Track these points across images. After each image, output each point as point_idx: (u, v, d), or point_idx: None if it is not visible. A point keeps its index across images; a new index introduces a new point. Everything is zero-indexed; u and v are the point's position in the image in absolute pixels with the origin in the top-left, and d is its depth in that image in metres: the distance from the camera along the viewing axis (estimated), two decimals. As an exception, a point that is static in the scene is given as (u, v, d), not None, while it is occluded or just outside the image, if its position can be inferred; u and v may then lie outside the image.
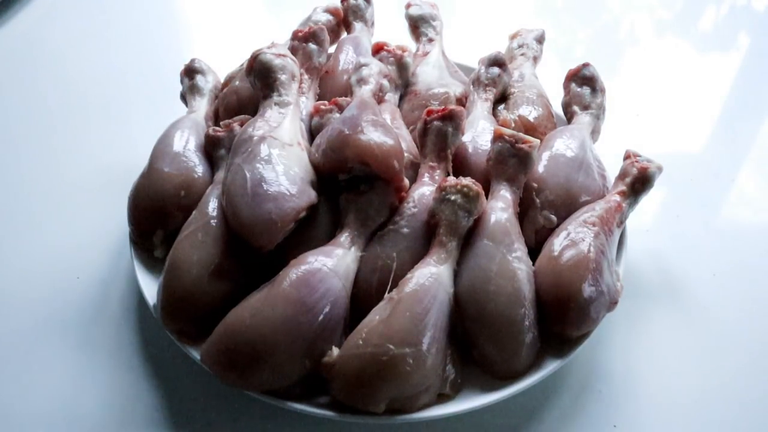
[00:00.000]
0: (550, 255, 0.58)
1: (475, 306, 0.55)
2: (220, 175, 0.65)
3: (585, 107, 0.72)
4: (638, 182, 0.63)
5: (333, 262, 0.55)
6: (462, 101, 0.73)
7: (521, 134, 0.61)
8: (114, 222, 0.72)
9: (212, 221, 0.59)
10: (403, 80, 0.74)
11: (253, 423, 0.57)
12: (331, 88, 0.73)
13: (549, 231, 0.61)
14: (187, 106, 0.75)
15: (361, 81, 0.68)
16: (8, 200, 0.80)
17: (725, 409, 0.59)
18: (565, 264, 0.56)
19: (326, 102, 0.67)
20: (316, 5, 0.84)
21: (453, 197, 0.57)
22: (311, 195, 0.59)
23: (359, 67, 0.70)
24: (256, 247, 0.56)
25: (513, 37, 0.83)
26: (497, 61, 0.74)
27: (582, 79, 0.73)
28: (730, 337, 0.65)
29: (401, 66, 0.73)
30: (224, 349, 0.53)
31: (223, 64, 0.80)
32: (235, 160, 0.59)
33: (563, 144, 0.66)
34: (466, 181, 0.58)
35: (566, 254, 0.57)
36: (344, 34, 0.83)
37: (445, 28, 0.83)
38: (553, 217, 0.61)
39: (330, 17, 0.82)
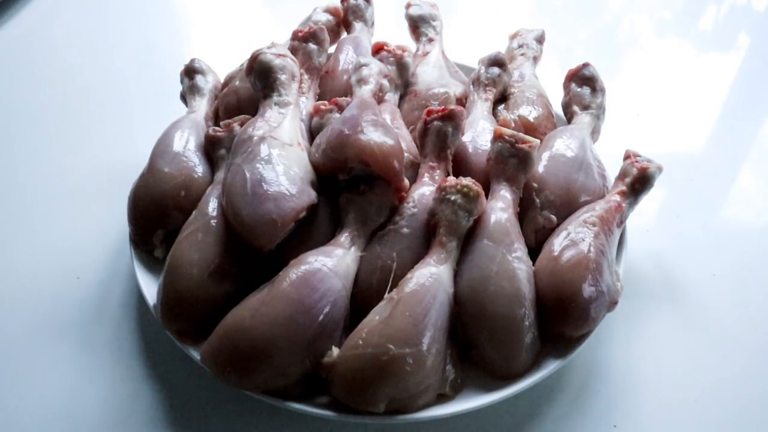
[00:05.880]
0: (550, 255, 0.58)
1: (475, 306, 0.55)
2: (220, 175, 0.65)
3: (585, 107, 0.72)
4: (638, 182, 0.63)
5: (333, 262, 0.55)
6: (462, 101, 0.73)
7: (521, 134, 0.61)
8: (114, 222, 0.72)
9: (212, 221, 0.59)
10: (403, 80, 0.74)
11: (252, 423, 0.57)
12: (331, 88, 0.73)
13: (549, 231, 0.61)
14: (187, 106, 0.75)
15: (361, 81, 0.68)
16: (8, 200, 0.80)
17: (725, 409, 0.59)
18: (565, 264, 0.56)
19: (326, 102, 0.67)
20: (316, 5, 0.84)
21: (453, 197, 0.57)
22: (311, 195, 0.59)
23: (359, 67, 0.70)
24: (256, 247, 0.56)
25: (513, 37, 0.83)
26: (497, 61, 0.74)
27: (582, 79, 0.73)
28: (730, 336, 0.65)
29: (401, 66, 0.73)
30: (224, 349, 0.53)
31: (223, 64, 0.80)
32: (235, 160, 0.59)
33: (563, 144, 0.66)
34: (466, 181, 0.58)
35: (566, 254, 0.57)
36: (344, 34, 0.83)
37: (445, 28, 0.84)
38: (553, 217, 0.61)
39: (330, 17, 0.82)
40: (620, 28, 1.16)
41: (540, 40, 0.82)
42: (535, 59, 0.80)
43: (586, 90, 0.72)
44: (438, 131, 0.63)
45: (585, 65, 0.73)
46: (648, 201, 0.65)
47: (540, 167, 0.63)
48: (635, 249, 0.68)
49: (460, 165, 0.65)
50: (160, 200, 0.64)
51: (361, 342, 0.52)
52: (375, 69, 0.69)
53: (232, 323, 0.54)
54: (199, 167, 0.66)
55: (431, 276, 0.54)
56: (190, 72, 0.77)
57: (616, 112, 0.77)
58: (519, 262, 0.56)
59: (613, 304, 0.58)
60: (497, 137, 0.62)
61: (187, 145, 0.68)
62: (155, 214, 0.64)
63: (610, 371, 0.61)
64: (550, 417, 0.58)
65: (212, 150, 0.67)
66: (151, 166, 0.66)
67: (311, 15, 0.82)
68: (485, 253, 0.56)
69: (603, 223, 0.59)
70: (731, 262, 0.72)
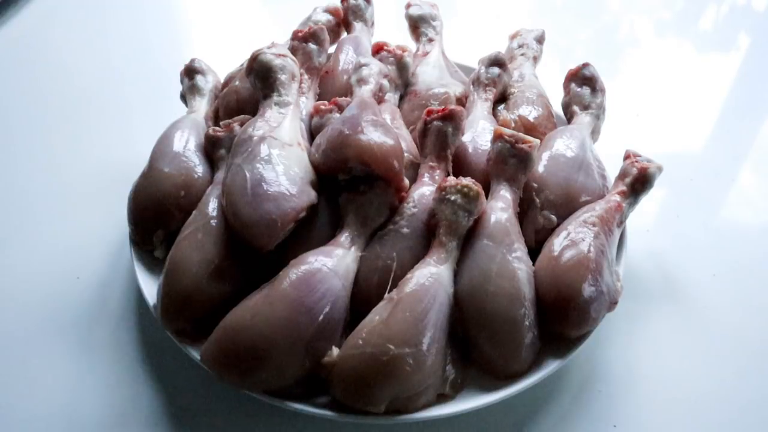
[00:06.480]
0: (550, 255, 0.58)
1: (475, 306, 0.55)
2: (220, 175, 0.65)
3: (585, 107, 0.72)
4: (638, 182, 0.63)
5: (333, 262, 0.55)
6: (462, 101, 0.73)
7: (521, 134, 0.61)
8: (114, 222, 0.72)
9: (212, 221, 0.59)
10: (403, 80, 0.74)
11: (252, 423, 0.57)
12: (331, 88, 0.73)
13: (549, 231, 0.61)
14: (187, 106, 0.75)
15: (361, 81, 0.68)
16: (8, 200, 0.80)
17: (725, 409, 0.59)
18: (565, 264, 0.56)
19: (326, 102, 0.67)
20: (316, 5, 0.84)
21: (453, 197, 0.57)
22: (311, 195, 0.59)
23: (359, 67, 0.70)
24: (257, 248, 0.56)
25: (513, 37, 0.83)
26: (497, 61, 0.74)
27: (582, 79, 0.73)
28: (730, 337, 0.65)
29: (401, 66, 0.73)
30: (224, 349, 0.53)
31: (223, 64, 0.80)
32: (235, 160, 0.59)
33: (563, 144, 0.66)
34: (466, 181, 0.58)
35: (566, 254, 0.57)
36: (344, 34, 0.83)
37: (445, 28, 0.84)
38: (553, 217, 0.61)
39: (330, 17, 0.82)
40: (620, 28, 1.16)
41: (540, 40, 0.82)
42: (535, 59, 0.80)
43: (586, 90, 0.72)
44: (438, 131, 0.63)
45: (585, 65, 0.73)
46: (648, 201, 0.65)
47: (540, 167, 0.63)
48: (635, 249, 0.68)
49: (460, 165, 0.65)
50: (160, 200, 0.64)
51: (361, 342, 0.52)
52: (375, 69, 0.69)
53: (232, 323, 0.54)
54: (199, 167, 0.66)
55: (431, 276, 0.54)
56: (190, 72, 0.77)
57: (616, 112, 0.77)
58: (519, 262, 0.56)
59: (613, 304, 0.58)
60: (497, 137, 0.62)
61: (187, 145, 0.68)
62: (155, 214, 0.64)
63: (610, 371, 0.61)
64: (550, 417, 0.58)
65: (212, 150, 0.67)
66: (151, 166, 0.66)
67: (311, 15, 0.83)
68: (485, 253, 0.56)
69: (603, 223, 0.59)
70: (731, 262, 0.72)
